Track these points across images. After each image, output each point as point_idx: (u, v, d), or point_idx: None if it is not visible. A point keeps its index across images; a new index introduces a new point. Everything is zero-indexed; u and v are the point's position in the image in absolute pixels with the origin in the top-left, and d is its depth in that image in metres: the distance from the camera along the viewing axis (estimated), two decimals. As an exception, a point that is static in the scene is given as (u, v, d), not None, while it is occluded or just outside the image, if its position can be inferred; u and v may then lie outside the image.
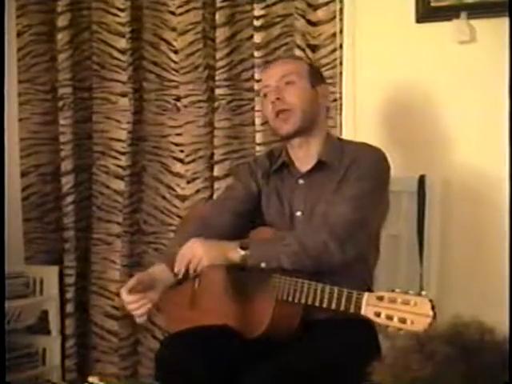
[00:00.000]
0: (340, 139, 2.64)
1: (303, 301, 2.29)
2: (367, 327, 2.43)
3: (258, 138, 3.14)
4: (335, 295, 2.22)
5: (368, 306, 2.14)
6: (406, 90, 2.99)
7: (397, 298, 2.09)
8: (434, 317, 2.04)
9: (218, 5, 3.21)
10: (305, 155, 2.51)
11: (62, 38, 3.50)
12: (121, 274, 3.48)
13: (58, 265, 3.54)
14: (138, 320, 2.34)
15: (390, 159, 2.50)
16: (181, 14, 3.35)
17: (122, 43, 3.46)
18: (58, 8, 3.50)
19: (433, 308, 2.06)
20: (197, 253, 2.30)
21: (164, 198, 3.47)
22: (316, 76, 2.56)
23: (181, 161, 3.41)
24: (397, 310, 2.08)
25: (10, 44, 3.57)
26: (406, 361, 1.12)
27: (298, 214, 2.49)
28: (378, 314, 2.11)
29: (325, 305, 2.24)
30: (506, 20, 2.76)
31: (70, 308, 3.53)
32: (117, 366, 3.51)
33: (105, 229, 3.56)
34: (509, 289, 2.69)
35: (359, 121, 3.04)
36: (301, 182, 2.51)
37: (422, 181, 2.80)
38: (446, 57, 2.92)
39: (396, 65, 3.00)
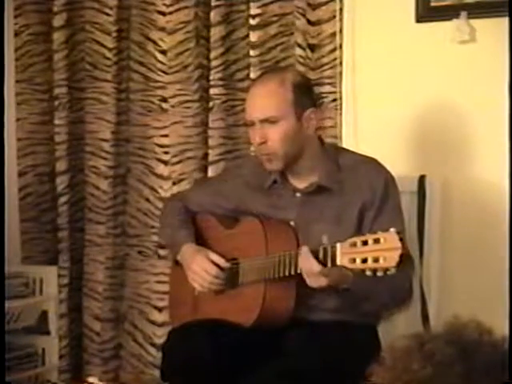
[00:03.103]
0: (335, 149, 2.60)
1: (287, 273, 2.33)
2: (369, 329, 2.45)
3: (253, 138, 3.13)
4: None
5: (343, 255, 2.16)
6: (406, 90, 2.99)
7: (368, 240, 2.12)
8: (403, 248, 2.07)
9: (213, 3, 3.19)
10: (298, 175, 2.51)
11: (57, 37, 3.49)
12: (104, 277, 3.48)
13: (56, 265, 3.54)
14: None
15: (389, 159, 2.51)
16: (170, 13, 3.33)
17: (109, 42, 3.45)
18: (54, 8, 3.49)
19: (401, 240, 2.08)
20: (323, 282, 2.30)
21: (147, 200, 3.45)
22: (302, 102, 2.44)
23: (165, 162, 3.39)
24: (369, 251, 2.11)
25: (8, 44, 3.56)
26: (406, 362, 1.12)
27: (291, 223, 2.49)
28: (353, 260, 2.14)
29: None
30: (506, 20, 2.76)
31: (63, 309, 3.51)
32: (100, 369, 3.49)
33: (95, 230, 3.54)
34: (509, 289, 2.69)
35: (359, 121, 3.04)
36: (298, 195, 2.52)
37: (422, 181, 2.79)
38: (446, 57, 2.92)
39: (396, 65, 3.00)
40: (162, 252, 3.37)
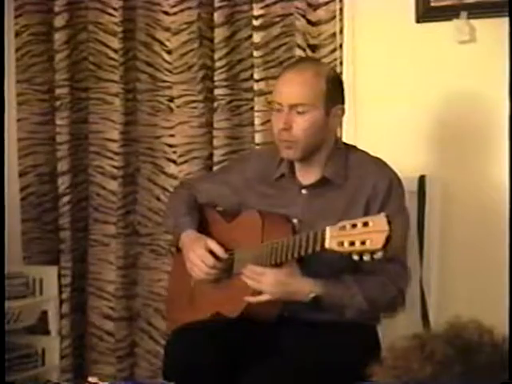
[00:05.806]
0: (345, 146, 2.59)
1: (279, 260, 2.34)
2: (368, 328, 2.46)
3: (258, 138, 3.14)
4: (304, 242, 2.27)
5: (332, 239, 2.17)
6: (406, 90, 2.99)
7: (357, 223, 2.12)
8: (391, 231, 2.06)
9: (217, 4, 3.20)
10: (307, 169, 2.50)
11: (59, 38, 3.49)
12: (116, 276, 3.49)
13: (57, 265, 3.54)
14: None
15: (390, 159, 2.51)
16: (175, 14, 3.33)
17: (115, 43, 3.45)
18: (55, 8, 3.49)
19: (389, 223, 2.07)
20: (267, 284, 2.33)
21: (158, 199, 3.46)
22: (333, 96, 2.46)
23: (174, 162, 3.40)
24: (357, 234, 2.11)
25: (9, 44, 3.57)
26: (406, 361, 1.12)
27: (295, 221, 2.49)
28: (341, 244, 2.14)
29: (296, 254, 2.29)
30: (506, 20, 2.76)
31: (65, 308, 3.52)
32: (114, 368, 3.50)
33: (101, 230, 3.55)
34: (509, 289, 2.69)
35: (359, 120, 3.04)
36: (304, 191, 2.51)
37: (422, 181, 2.80)
38: (446, 57, 2.92)
39: (396, 65, 3.00)
40: (175, 250, 3.38)
